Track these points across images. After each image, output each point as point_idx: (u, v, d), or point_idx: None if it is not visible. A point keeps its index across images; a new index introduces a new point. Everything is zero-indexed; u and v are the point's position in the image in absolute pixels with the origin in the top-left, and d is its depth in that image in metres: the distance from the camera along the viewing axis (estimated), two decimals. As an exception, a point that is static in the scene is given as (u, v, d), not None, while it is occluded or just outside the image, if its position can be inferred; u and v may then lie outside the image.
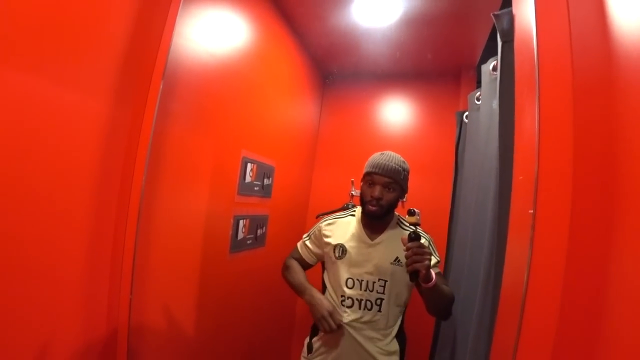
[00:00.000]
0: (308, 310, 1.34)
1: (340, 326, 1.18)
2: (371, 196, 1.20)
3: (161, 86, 0.99)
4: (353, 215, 1.35)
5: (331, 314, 1.17)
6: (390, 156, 1.23)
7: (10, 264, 0.70)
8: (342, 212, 1.40)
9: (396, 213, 1.33)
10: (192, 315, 1.23)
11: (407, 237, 1.08)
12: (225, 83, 1.33)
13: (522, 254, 0.71)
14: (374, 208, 1.20)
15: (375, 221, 1.26)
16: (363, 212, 1.27)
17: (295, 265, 1.36)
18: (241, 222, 1.47)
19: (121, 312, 0.93)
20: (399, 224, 1.32)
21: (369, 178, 1.23)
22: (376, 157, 1.25)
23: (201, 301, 1.27)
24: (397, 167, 1.21)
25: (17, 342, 0.73)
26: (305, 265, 1.37)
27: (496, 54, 1.27)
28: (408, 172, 1.27)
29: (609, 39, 0.61)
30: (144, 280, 0.99)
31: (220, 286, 1.39)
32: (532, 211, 0.62)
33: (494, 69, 1.33)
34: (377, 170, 1.21)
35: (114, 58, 0.89)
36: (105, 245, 0.92)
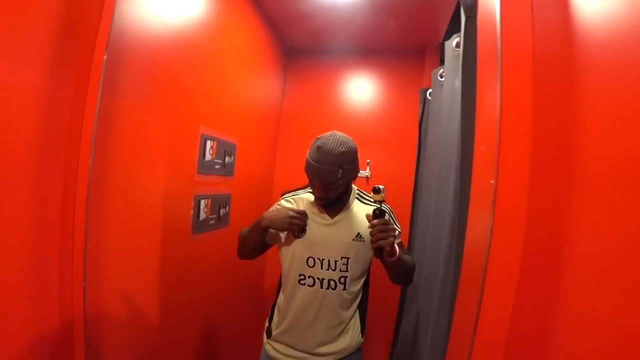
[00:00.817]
0: (274, 292, 1.32)
1: (305, 214, 1.17)
2: (317, 195, 1.18)
3: (105, 55, 0.89)
4: (311, 192, 1.27)
5: (292, 210, 1.15)
6: (327, 153, 1.09)
7: None
8: (302, 190, 1.34)
9: (354, 187, 1.30)
10: (154, 300, 1.18)
11: (371, 213, 1.08)
12: (181, 54, 1.24)
13: (483, 223, 0.73)
14: (321, 202, 1.20)
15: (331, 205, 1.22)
16: None
17: (242, 230, 1.32)
18: (202, 202, 1.41)
19: (75, 301, 0.87)
20: (359, 198, 1.29)
21: (309, 177, 1.16)
22: (312, 154, 1.13)
23: (163, 285, 1.21)
24: (331, 168, 1.10)
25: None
26: (264, 245, 1.29)
27: (460, 31, 1.28)
28: (352, 157, 1.15)
29: (569, 13, 0.62)
30: (99, 266, 0.92)
31: (183, 269, 1.34)
32: (493, 181, 0.63)
33: (457, 45, 1.34)
34: (311, 175, 1.13)
35: (50, 22, 0.79)
36: (51, 233, 0.84)
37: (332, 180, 1.11)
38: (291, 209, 1.17)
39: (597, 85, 0.52)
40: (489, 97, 0.82)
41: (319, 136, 1.16)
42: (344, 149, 1.10)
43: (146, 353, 1.14)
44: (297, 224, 1.15)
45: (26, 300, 0.79)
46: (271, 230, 1.23)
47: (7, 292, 0.75)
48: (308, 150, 1.16)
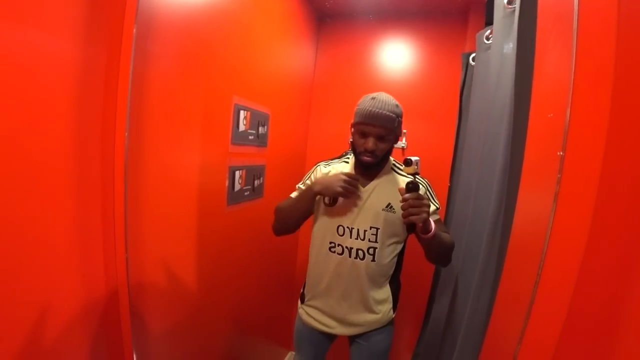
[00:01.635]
0: (307, 261, 1.33)
1: (357, 177, 1.16)
2: (364, 148, 1.14)
3: (135, 25, 0.86)
4: (347, 162, 1.30)
5: (344, 174, 1.14)
6: (383, 102, 1.13)
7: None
8: (335, 159, 1.34)
9: (390, 158, 1.27)
10: (191, 270, 1.21)
11: (404, 187, 1.04)
12: (212, 23, 1.19)
13: (539, 203, 0.67)
14: (368, 159, 1.15)
15: (369, 169, 1.21)
16: (356, 160, 1.22)
17: (283, 201, 1.31)
18: (237, 173, 1.41)
19: (119, 270, 0.90)
20: (393, 169, 1.27)
21: (361, 129, 1.15)
22: (367, 103, 1.14)
23: (200, 255, 1.24)
24: (390, 114, 1.12)
25: (15, 309, 0.70)
26: (304, 214, 1.29)
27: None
28: (402, 117, 1.19)
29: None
30: (139, 237, 0.94)
31: (219, 240, 1.36)
32: (561, 153, 0.55)
33: (509, 2, 1.21)
34: (369, 120, 1.12)
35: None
36: (93, 204, 0.85)
37: (390, 127, 1.12)
38: (343, 173, 1.15)
39: None
40: (551, 59, 0.73)
41: (366, 95, 1.18)
42: (397, 102, 1.17)
43: (185, 320, 1.19)
44: (349, 189, 1.13)
45: (75, 268, 0.82)
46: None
47: (58, 260, 0.78)
48: (357, 107, 1.17)
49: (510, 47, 1.14)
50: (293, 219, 1.26)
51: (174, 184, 1.09)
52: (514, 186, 0.86)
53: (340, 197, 1.19)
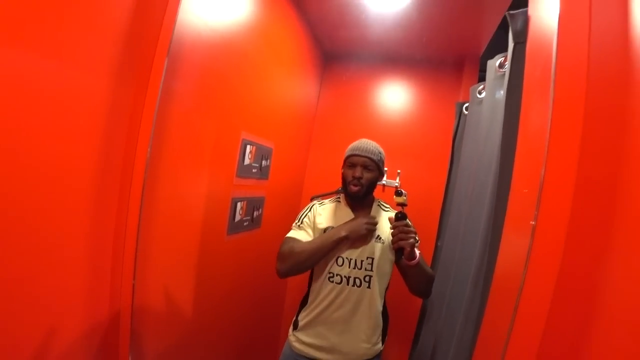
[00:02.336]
0: (299, 290, 1.38)
1: (375, 219, 1.30)
2: (352, 176, 1.29)
3: (165, 63, 0.95)
4: (338, 201, 1.43)
5: (365, 218, 1.28)
6: (368, 141, 1.36)
7: (14, 247, 0.69)
8: (328, 199, 1.48)
9: (375, 197, 1.43)
10: (191, 296, 1.25)
11: (394, 216, 1.19)
12: (228, 61, 1.29)
13: (518, 253, 0.74)
14: (355, 188, 1.29)
15: (358, 202, 1.36)
16: (345, 195, 1.37)
17: (296, 244, 1.29)
18: (239, 204, 1.47)
19: (124, 294, 0.94)
20: (379, 205, 1.43)
21: (350, 160, 1.33)
22: (355, 143, 1.37)
23: (199, 282, 1.28)
24: (374, 148, 1.33)
25: (24, 325, 0.73)
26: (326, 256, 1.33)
27: (502, 49, 1.27)
28: (384, 157, 1.38)
29: (628, 50, 0.62)
30: (145, 262, 0.99)
31: (218, 268, 1.40)
32: (533, 222, 0.64)
33: (501, 65, 1.33)
34: (356, 152, 1.32)
35: (116, 34, 0.86)
36: (107, 229, 0.91)
37: (374, 159, 1.30)
38: (364, 219, 1.28)
39: None
40: (534, 126, 0.83)
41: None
42: (380, 148, 1.37)
43: (181, 343, 1.21)
44: (372, 229, 1.28)
45: (84, 290, 0.86)
46: (310, 232, 1.35)
47: (69, 280, 0.82)
48: (347, 151, 1.37)
49: (500, 106, 1.25)
50: (313, 261, 1.27)
51: (182, 213, 1.15)
52: (498, 231, 0.94)
53: None
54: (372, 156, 1.31)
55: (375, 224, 1.29)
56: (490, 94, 1.39)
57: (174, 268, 1.16)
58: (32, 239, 0.73)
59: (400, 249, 1.16)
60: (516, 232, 0.79)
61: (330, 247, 1.25)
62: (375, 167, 1.32)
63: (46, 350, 0.78)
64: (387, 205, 1.43)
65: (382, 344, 1.34)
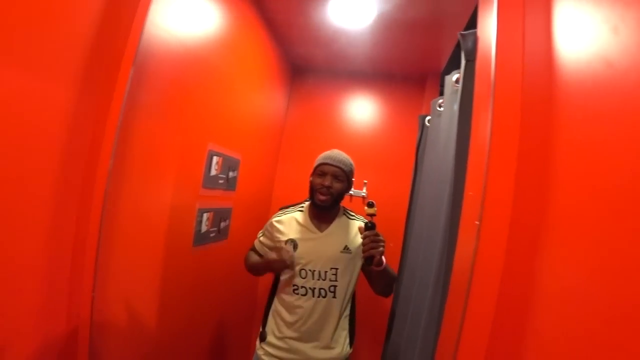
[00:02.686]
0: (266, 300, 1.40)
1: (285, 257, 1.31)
2: (322, 184, 1.30)
3: (131, 74, 0.95)
4: (301, 210, 1.43)
5: (286, 256, 1.30)
6: (339, 151, 1.38)
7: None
8: (290, 208, 1.46)
9: (341, 205, 1.44)
10: (155, 310, 1.22)
11: (364, 226, 1.22)
12: (195, 73, 1.30)
13: (468, 253, 0.79)
14: (324, 197, 1.30)
15: (324, 212, 1.36)
16: (312, 204, 1.36)
17: (251, 254, 1.47)
18: (205, 215, 1.46)
19: (82, 310, 0.91)
20: (345, 214, 1.43)
21: (320, 169, 1.34)
22: (326, 152, 1.38)
23: (163, 295, 1.26)
24: (345, 159, 1.35)
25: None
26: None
27: (459, 65, 1.36)
28: (353, 168, 1.40)
29: (554, 68, 0.69)
30: (106, 276, 0.96)
31: (184, 280, 1.38)
32: (478, 222, 0.69)
33: (457, 81, 1.42)
34: (328, 161, 1.33)
35: (82, 43, 0.85)
36: (66, 242, 0.89)
37: (345, 169, 1.32)
38: (284, 256, 1.31)
39: (576, 131, 0.59)
40: (481, 134, 0.89)
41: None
42: (349, 158, 1.39)
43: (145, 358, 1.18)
44: (285, 263, 1.30)
45: (37, 306, 0.83)
46: (266, 245, 1.42)
47: (20, 297, 0.79)
48: (316, 160, 1.37)
49: (455, 118, 1.33)
50: (258, 275, 1.50)
51: (146, 224, 1.14)
52: (455, 233, 0.99)
53: (299, 244, 1.33)
54: (343, 166, 1.33)
55: (285, 262, 1.30)
56: (448, 107, 1.47)
57: (138, 281, 1.13)
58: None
59: (370, 256, 1.19)
60: (467, 234, 0.84)
61: (263, 271, 1.42)
62: (345, 178, 1.34)
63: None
64: (354, 214, 1.45)
65: (351, 347, 1.36)
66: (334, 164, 1.32)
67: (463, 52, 1.16)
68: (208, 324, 1.66)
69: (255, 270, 1.43)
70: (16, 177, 0.75)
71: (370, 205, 1.30)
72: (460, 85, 1.27)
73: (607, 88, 0.51)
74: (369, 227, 1.21)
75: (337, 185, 1.32)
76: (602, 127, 0.51)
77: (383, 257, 1.23)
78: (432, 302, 1.24)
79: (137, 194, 1.07)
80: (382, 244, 1.21)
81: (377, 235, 1.20)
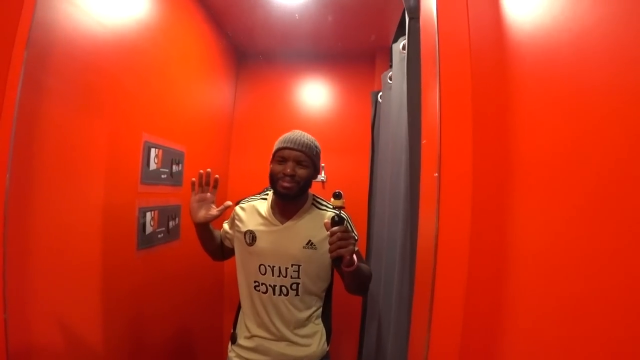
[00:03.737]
0: (236, 300, 1.28)
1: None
2: (282, 172, 1.13)
3: (26, 52, 0.81)
4: (265, 198, 1.27)
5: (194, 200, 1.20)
6: (301, 133, 1.20)
7: None
8: (255, 196, 1.31)
9: (311, 193, 1.27)
10: (98, 324, 1.08)
11: (330, 221, 1.02)
12: (121, 58, 1.16)
13: (431, 217, 0.74)
14: (287, 185, 1.12)
15: (288, 202, 1.19)
16: (275, 193, 1.20)
17: None
18: (148, 215, 1.32)
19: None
20: (315, 204, 1.26)
21: (280, 154, 1.15)
22: (287, 134, 1.19)
23: (108, 307, 1.11)
24: (309, 142, 1.17)
25: None
26: (228, 250, 1.33)
27: (405, 34, 1.32)
28: (319, 151, 1.22)
29: (501, 13, 0.64)
30: (24, 293, 0.82)
31: (131, 287, 1.24)
32: (436, 174, 0.63)
33: (404, 47, 1.37)
34: (289, 144, 1.14)
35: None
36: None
37: (309, 154, 1.15)
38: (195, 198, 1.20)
39: (528, 77, 0.54)
40: (432, 94, 0.84)
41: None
42: (313, 139, 1.21)
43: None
44: (196, 204, 1.19)
45: None
46: (230, 232, 1.29)
47: None
48: (276, 142, 1.20)
49: (404, 86, 1.28)
50: (207, 250, 1.31)
51: (73, 227, 0.99)
52: (416, 208, 0.94)
53: (258, 236, 1.19)
54: (305, 150, 1.15)
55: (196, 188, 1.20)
56: (398, 77, 1.42)
57: (72, 294, 0.99)
58: None
59: (338, 257, 0.99)
60: (427, 199, 0.79)
61: (200, 233, 1.26)
62: (310, 163, 1.17)
63: None
64: (325, 203, 1.28)
65: (328, 344, 1.28)
66: (296, 147, 1.14)
67: (406, 11, 1.10)
68: (169, 332, 1.52)
69: (202, 243, 1.29)
70: None
71: (337, 196, 1.14)
72: (406, 50, 1.22)
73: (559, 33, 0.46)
74: (336, 222, 1.00)
75: (302, 172, 1.14)
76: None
77: (355, 256, 1.03)
78: (400, 285, 1.19)
79: (56, 192, 0.92)
80: (353, 241, 1.01)
81: (345, 231, 1.00)
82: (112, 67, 1.12)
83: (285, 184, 1.12)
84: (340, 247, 0.98)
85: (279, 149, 1.17)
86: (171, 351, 1.54)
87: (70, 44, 0.95)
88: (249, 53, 2.36)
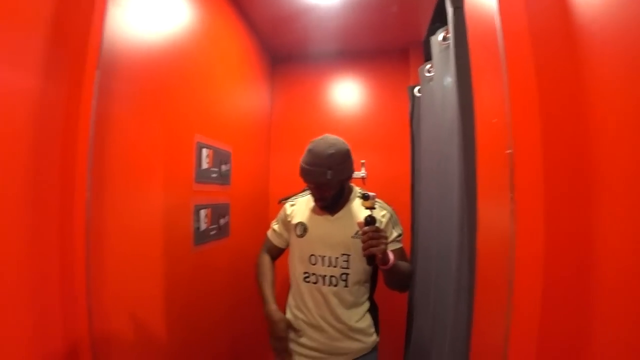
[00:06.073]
0: (282, 298, 1.32)
1: (284, 340, 1.19)
2: (312, 195, 1.23)
3: (99, 61, 0.87)
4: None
5: (280, 340, 1.18)
6: (316, 155, 1.15)
7: None
8: (301, 192, 1.39)
9: (353, 186, 1.33)
10: (161, 315, 1.14)
11: (363, 221, 1.07)
12: (172, 64, 1.23)
13: (498, 205, 0.73)
14: (321, 204, 1.23)
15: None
16: None
17: (263, 265, 1.34)
18: (202, 212, 1.38)
19: (79, 321, 0.82)
20: (359, 196, 1.29)
21: (303, 173, 1.19)
22: (311, 145, 1.19)
23: (168, 299, 1.17)
24: (320, 169, 1.14)
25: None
26: (279, 251, 1.38)
27: (444, 25, 1.30)
28: (346, 152, 1.20)
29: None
30: (102, 285, 0.88)
31: (188, 281, 1.30)
32: (510, 151, 0.62)
33: (444, 38, 1.36)
34: (303, 177, 1.19)
35: (42, 27, 0.77)
36: (50, 252, 0.79)
37: (322, 181, 1.15)
38: (282, 339, 1.19)
39: (600, 57, 0.53)
40: (485, 81, 0.83)
41: (312, 140, 1.22)
42: (332, 150, 1.15)
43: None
44: (273, 345, 1.20)
45: (27, 324, 0.74)
46: (283, 233, 1.35)
47: (7, 317, 0.70)
48: (304, 153, 1.21)
49: (449, 77, 1.27)
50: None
51: (138, 224, 1.05)
52: (472, 193, 0.93)
53: (309, 227, 1.25)
54: (320, 179, 1.15)
55: (282, 346, 1.20)
56: (439, 68, 1.41)
57: (139, 286, 1.05)
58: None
59: (371, 255, 1.05)
60: (493, 182, 0.78)
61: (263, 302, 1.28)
62: (334, 175, 1.15)
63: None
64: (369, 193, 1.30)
65: (377, 336, 1.29)
66: (315, 166, 1.14)
67: (448, 0, 1.10)
68: (219, 326, 1.57)
69: (258, 284, 1.32)
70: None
71: (366, 197, 1.16)
72: (451, 40, 1.21)
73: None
74: (368, 221, 1.06)
75: (329, 192, 1.18)
76: None
77: (390, 254, 1.09)
78: (457, 280, 1.16)
79: (124, 190, 0.98)
80: (384, 240, 1.06)
81: (377, 230, 1.05)
82: (165, 74, 1.19)
83: (319, 204, 1.24)
84: (371, 246, 1.03)
85: (301, 167, 1.19)
86: (222, 343, 1.60)
87: (132, 53, 1.02)
88: (282, 55, 2.41)
